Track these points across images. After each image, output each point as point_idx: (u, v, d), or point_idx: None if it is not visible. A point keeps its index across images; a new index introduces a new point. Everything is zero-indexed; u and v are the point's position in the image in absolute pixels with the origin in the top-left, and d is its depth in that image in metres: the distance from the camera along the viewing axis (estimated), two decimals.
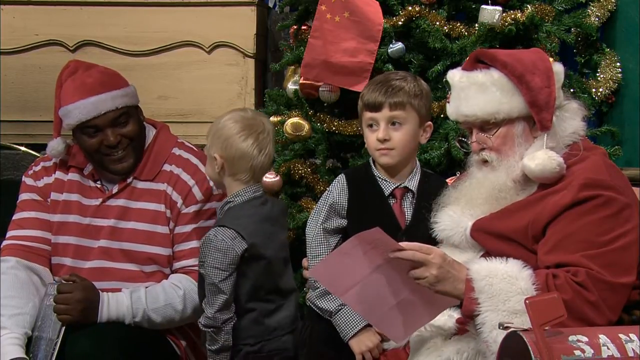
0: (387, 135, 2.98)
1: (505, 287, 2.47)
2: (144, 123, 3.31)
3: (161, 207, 3.21)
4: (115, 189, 3.23)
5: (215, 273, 2.93)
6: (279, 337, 3.01)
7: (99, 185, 3.26)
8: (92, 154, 3.20)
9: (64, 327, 3.06)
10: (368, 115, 3.01)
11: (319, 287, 3.00)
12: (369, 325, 2.94)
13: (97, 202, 3.24)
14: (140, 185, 3.24)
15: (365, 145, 3.08)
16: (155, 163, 3.25)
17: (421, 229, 2.88)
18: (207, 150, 3.05)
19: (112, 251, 3.21)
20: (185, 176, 3.24)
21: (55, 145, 3.28)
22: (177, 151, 3.29)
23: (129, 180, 3.23)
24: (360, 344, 2.95)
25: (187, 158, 3.27)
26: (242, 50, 4.74)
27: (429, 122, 3.06)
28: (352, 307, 2.70)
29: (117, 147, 3.18)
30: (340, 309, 2.97)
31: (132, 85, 3.28)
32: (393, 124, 2.99)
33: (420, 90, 3.01)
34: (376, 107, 2.98)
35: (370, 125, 3.01)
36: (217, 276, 2.93)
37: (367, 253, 2.51)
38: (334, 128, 3.67)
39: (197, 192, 3.23)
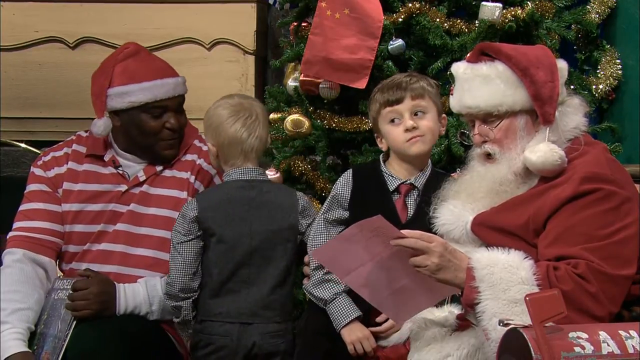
0: (415, 123, 3.01)
1: (505, 276, 2.48)
2: None
3: (183, 194, 3.24)
4: (142, 177, 3.25)
5: (175, 235, 3.09)
6: (222, 322, 3.05)
7: (120, 172, 3.27)
8: (150, 135, 3.22)
9: (74, 322, 3.08)
10: (389, 110, 3.04)
11: (315, 276, 3.02)
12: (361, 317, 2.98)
13: (121, 188, 3.25)
14: (164, 172, 3.28)
15: (388, 144, 3.09)
16: (180, 151, 3.29)
17: (422, 225, 2.88)
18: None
19: (131, 236, 3.22)
20: (206, 166, 3.29)
21: (105, 124, 3.24)
22: (197, 143, 3.34)
23: (158, 169, 3.25)
24: (351, 334, 2.98)
25: (207, 150, 3.30)
26: (242, 47, 4.74)
27: (444, 115, 3.11)
28: (355, 289, 2.70)
29: (176, 131, 3.23)
30: (335, 298, 3.00)
31: None
32: (416, 114, 3.03)
33: (434, 84, 3.10)
34: (398, 100, 3.03)
35: (393, 120, 3.05)
36: (176, 238, 3.08)
37: (369, 241, 2.52)
38: (334, 125, 3.68)
39: (218, 181, 3.27)
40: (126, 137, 3.27)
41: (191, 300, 3.07)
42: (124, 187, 3.25)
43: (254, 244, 3.07)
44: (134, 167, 3.28)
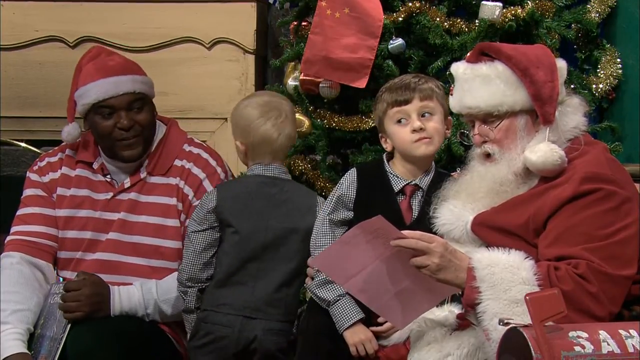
0: (422, 124, 3.00)
1: (506, 276, 2.48)
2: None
3: (172, 201, 3.24)
4: (127, 184, 3.25)
5: (190, 223, 3.13)
6: (225, 313, 3.06)
7: (108, 180, 3.28)
8: (104, 137, 3.21)
9: (69, 325, 3.07)
10: (396, 110, 3.03)
11: (319, 276, 3.02)
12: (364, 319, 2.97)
13: (108, 196, 3.25)
14: (152, 180, 3.27)
15: (393, 144, 3.07)
16: (168, 158, 3.29)
17: (426, 227, 2.87)
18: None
19: (122, 244, 3.22)
20: (196, 170, 3.28)
21: (71, 130, 3.30)
22: (187, 147, 3.33)
23: (142, 176, 3.25)
24: (354, 336, 2.98)
25: (197, 153, 3.31)
26: (242, 46, 4.73)
27: (449, 118, 3.09)
28: (354, 294, 2.70)
29: (129, 131, 3.19)
30: (339, 300, 2.99)
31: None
32: (423, 115, 3.01)
33: (441, 86, 3.08)
34: (406, 100, 3.02)
35: (399, 121, 3.03)
36: (191, 226, 3.12)
37: (369, 242, 2.52)
38: (334, 124, 3.67)
39: (207, 186, 3.27)
40: (97, 141, 3.28)
41: (197, 289, 3.09)
42: (110, 195, 3.25)
43: (268, 239, 3.09)
44: (120, 174, 3.27)
